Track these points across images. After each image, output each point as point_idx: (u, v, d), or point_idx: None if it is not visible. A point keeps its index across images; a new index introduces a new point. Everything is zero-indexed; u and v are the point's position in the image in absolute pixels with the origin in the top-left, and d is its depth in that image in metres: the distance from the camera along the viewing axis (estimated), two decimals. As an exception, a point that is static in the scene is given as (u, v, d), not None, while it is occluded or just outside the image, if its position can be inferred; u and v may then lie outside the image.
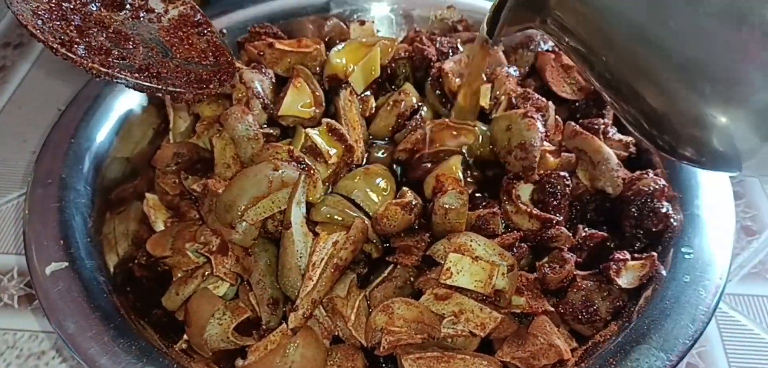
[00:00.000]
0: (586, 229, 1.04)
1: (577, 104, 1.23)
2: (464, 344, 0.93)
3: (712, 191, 1.04)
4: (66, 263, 0.93)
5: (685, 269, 0.94)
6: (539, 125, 1.07)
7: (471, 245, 0.93)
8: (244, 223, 0.93)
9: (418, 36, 1.30)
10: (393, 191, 1.04)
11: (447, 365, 0.89)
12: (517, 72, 1.23)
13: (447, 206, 0.96)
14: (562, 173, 1.06)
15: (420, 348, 0.90)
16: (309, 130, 1.06)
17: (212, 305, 0.93)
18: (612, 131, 1.15)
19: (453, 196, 0.95)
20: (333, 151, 1.06)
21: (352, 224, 0.95)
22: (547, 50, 1.27)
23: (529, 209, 1.02)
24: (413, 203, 0.99)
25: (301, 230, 0.95)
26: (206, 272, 0.96)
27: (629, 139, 1.15)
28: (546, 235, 1.01)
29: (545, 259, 1.00)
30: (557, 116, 1.16)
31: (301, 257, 0.93)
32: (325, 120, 1.09)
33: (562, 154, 1.08)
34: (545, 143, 1.10)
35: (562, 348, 0.89)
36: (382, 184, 1.04)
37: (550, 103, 1.13)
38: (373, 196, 1.02)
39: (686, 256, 0.96)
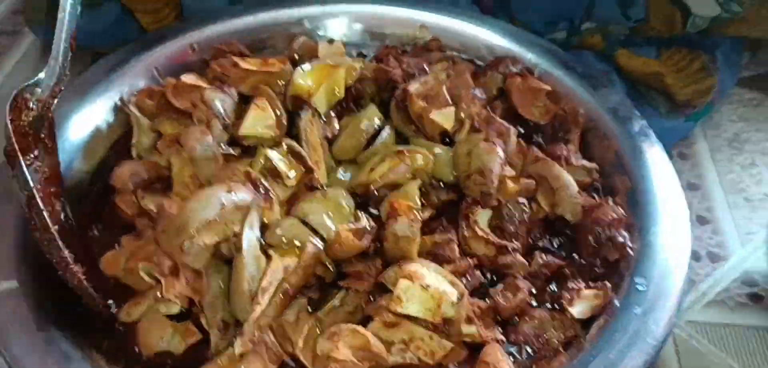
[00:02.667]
0: (544, 257, 1.03)
1: (543, 128, 1.22)
2: (414, 372, 0.93)
3: (670, 219, 1.04)
4: (16, 283, 0.92)
5: (637, 300, 0.94)
6: (499, 150, 1.06)
7: (421, 273, 0.93)
8: (195, 246, 0.93)
9: (387, 54, 1.29)
10: (351, 215, 1.04)
11: None
12: (484, 95, 1.22)
13: (399, 233, 0.95)
14: (520, 200, 1.06)
15: None
16: (268, 151, 1.06)
17: (162, 328, 0.93)
18: (575, 157, 1.14)
19: (405, 224, 0.95)
20: (292, 173, 1.06)
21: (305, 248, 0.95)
22: (516, 73, 1.26)
23: (485, 236, 1.02)
24: (368, 228, 0.99)
25: (253, 253, 0.94)
26: (158, 294, 0.96)
27: (593, 166, 1.15)
28: (501, 262, 1.01)
29: (499, 287, 0.99)
30: (521, 141, 1.16)
31: (252, 280, 0.93)
32: (285, 141, 1.08)
33: (522, 180, 1.08)
34: (507, 168, 1.10)
35: (511, 377, 0.89)
36: (341, 207, 1.04)
37: (512, 128, 1.12)
38: (328, 221, 1.01)
39: (639, 287, 0.95)
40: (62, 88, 1.03)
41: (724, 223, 1.35)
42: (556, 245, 1.09)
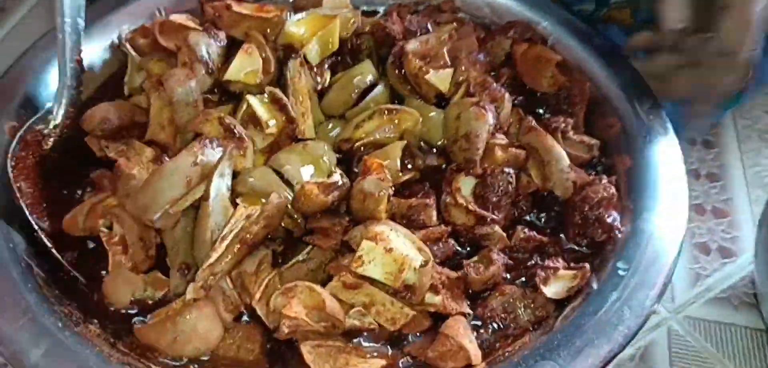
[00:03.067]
0: (525, 231, 0.97)
1: (547, 99, 1.16)
2: (372, 337, 0.89)
3: (666, 205, 0.97)
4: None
5: (615, 285, 0.88)
6: (489, 116, 1.01)
7: (388, 236, 0.88)
8: (162, 219, 0.90)
9: (393, 11, 1.24)
10: (331, 170, 1.00)
11: (348, 357, 0.85)
12: (488, 59, 1.16)
13: (366, 191, 0.91)
14: (506, 170, 1.00)
15: (322, 336, 0.86)
16: (250, 97, 1.03)
17: (131, 283, 0.91)
18: (574, 131, 1.08)
19: (372, 182, 0.91)
20: (272, 121, 1.02)
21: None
22: (524, 39, 1.20)
23: (465, 204, 0.97)
24: (339, 183, 0.95)
25: (221, 202, 0.91)
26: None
27: (594, 141, 1.08)
28: (478, 232, 0.96)
29: (473, 259, 0.94)
30: (519, 110, 1.09)
31: (216, 228, 0.90)
32: (268, 88, 1.05)
33: (510, 149, 1.02)
34: (499, 136, 1.04)
35: (471, 353, 0.84)
36: (321, 162, 1.00)
37: (507, 95, 1.06)
38: (306, 174, 0.98)
39: (619, 272, 0.89)
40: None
41: (742, 218, 1.26)
42: (543, 222, 1.03)
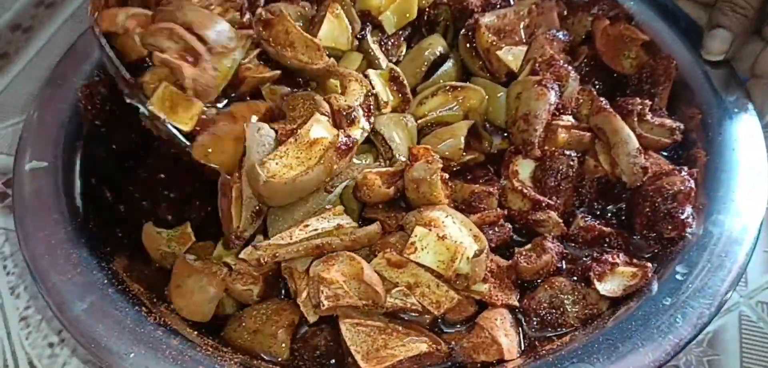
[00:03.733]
0: (586, 219, 0.92)
1: (628, 79, 1.09)
2: (415, 318, 0.87)
3: (741, 209, 0.89)
4: (46, 163, 0.96)
5: (671, 290, 0.81)
6: (552, 95, 0.95)
7: (442, 222, 0.85)
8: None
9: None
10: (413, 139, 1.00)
11: (387, 339, 0.83)
12: (567, 37, 1.10)
13: (417, 177, 0.88)
14: (567, 152, 0.94)
15: (363, 314, 0.85)
16: (372, 73, 1.01)
17: (158, 240, 0.94)
18: (654, 113, 1.00)
19: (420, 167, 0.87)
20: (390, 99, 1.02)
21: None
22: (609, 17, 1.12)
23: (521, 188, 0.92)
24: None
25: (325, 198, 0.91)
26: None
27: (677, 124, 1.00)
28: (533, 218, 0.91)
29: (526, 247, 0.90)
30: (591, 90, 1.03)
31: (306, 214, 0.89)
32: (389, 66, 1.04)
33: (573, 131, 0.96)
34: (566, 117, 0.98)
35: (504, 347, 0.80)
36: (408, 128, 1.00)
37: (572, 73, 0.99)
38: (397, 137, 0.97)
39: (677, 276, 0.83)
40: None
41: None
42: (611, 212, 0.96)
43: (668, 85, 1.05)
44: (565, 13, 1.16)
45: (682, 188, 0.90)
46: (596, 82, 1.10)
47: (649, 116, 0.99)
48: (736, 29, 1.02)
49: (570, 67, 1.00)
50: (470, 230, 0.86)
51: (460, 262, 0.82)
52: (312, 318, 0.84)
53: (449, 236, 0.84)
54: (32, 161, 0.95)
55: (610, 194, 0.97)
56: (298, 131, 0.87)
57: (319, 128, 0.88)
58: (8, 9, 1.54)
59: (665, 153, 1.02)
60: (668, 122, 1.00)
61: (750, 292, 1.05)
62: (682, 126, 1.00)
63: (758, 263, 1.08)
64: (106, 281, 0.86)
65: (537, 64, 1.00)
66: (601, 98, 0.99)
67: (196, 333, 0.86)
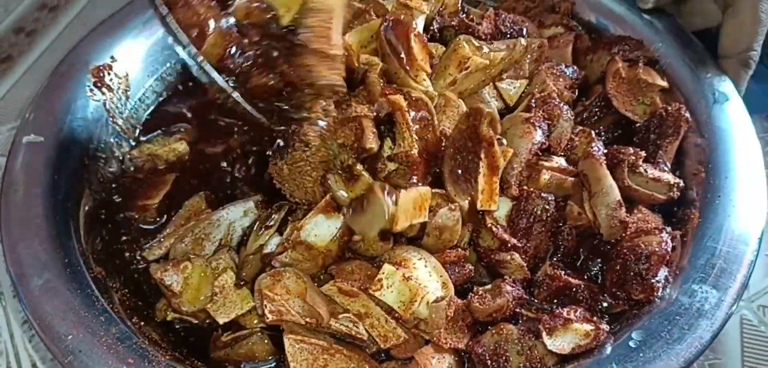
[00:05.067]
0: (553, 268, 0.87)
1: (635, 124, 1.02)
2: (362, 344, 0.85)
3: (718, 286, 0.82)
4: (42, 138, 0.99)
5: (620, 357, 0.76)
6: (537, 134, 0.91)
7: (414, 263, 0.84)
8: None
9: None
10: None
11: (330, 359, 0.81)
12: (576, 73, 1.05)
13: (440, 224, 0.86)
14: (544, 195, 0.89)
15: (309, 331, 0.83)
16: None
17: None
18: (650, 165, 0.94)
19: (445, 214, 0.86)
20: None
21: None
22: (629, 58, 1.06)
23: (491, 226, 0.88)
24: None
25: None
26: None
27: (676, 181, 0.94)
28: (496, 258, 0.87)
29: (485, 287, 0.86)
30: (589, 132, 0.97)
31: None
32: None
33: (556, 174, 0.91)
34: (557, 158, 0.94)
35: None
36: None
37: (565, 112, 0.95)
38: None
39: (631, 343, 0.77)
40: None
41: None
42: (588, 262, 0.91)
43: (676, 139, 0.98)
44: (587, 46, 1.11)
45: (658, 249, 0.83)
46: (603, 126, 1.04)
47: (642, 168, 0.92)
48: None
49: (565, 107, 0.95)
50: (440, 276, 0.85)
51: (418, 305, 0.81)
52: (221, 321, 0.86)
53: (415, 278, 0.83)
54: (30, 134, 0.99)
55: (590, 245, 0.91)
56: None
57: None
58: (11, 12, 1.56)
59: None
60: (667, 177, 0.94)
61: (751, 296, 1.03)
62: (681, 183, 0.94)
63: (760, 266, 1.05)
64: (67, 260, 0.87)
65: (533, 100, 0.96)
66: (597, 143, 0.94)
67: (142, 324, 0.87)
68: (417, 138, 0.90)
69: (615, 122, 1.05)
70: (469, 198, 0.87)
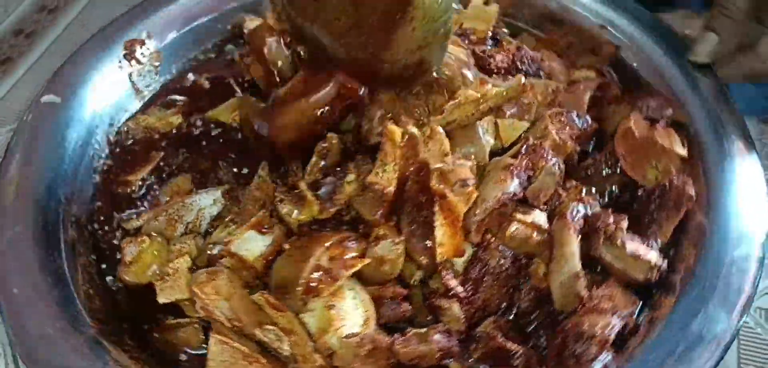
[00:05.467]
0: (493, 328, 0.82)
1: (639, 193, 0.94)
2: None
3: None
4: (59, 99, 1.04)
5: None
6: (511, 184, 0.85)
7: (344, 292, 0.82)
8: None
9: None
10: None
11: (247, 366, 0.81)
12: (586, 123, 0.97)
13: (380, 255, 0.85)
14: (501, 248, 0.84)
15: (236, 334, 0.84)
16: None
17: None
18: (637, 242, 0.86)
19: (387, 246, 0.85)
20: None
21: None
22: (650, 117, 0.97)
23: (441, 268, 0.84)
24: None
25: None
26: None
27: (658, 263, 0.86)
28: (436, 303, 0.83)
29: (413, 330, 0.82)
30: (582, 190, 0.91)
31: None
32: None
33: (523, 228, 0.85)
34: (536, 212, 0.87)
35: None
36: None
37: (551, 165, 0.88)
38: None
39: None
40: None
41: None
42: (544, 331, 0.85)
43: (675, 216, 0.89)
44: (615, 96, 1.04)
45: (599, 334, 0.77)
46: (610, 186, 0.96)
47: (621, 240, 0.84)
48: (723, 32, 0.97)
49: (554, 160, 0.89)
50: (366, 311, 0.83)
51: (331, 337, 0.80)
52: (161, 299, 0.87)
53: (337, 308, 0.81)
54: (50, 95, 1.04)
55: (547, 311, 0.85)
56: None
57: None
58: (11, 14, 1.57)
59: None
60: (649, 256, 0.86)
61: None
62: (665, 266, 0.85)
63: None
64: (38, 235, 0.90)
65: (524, 146, 0.90)
66: (582, 205, 0.87)
67: (92, 292, 0.89)
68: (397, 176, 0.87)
69: (623, 183, 0.97)
70: (427, 258, 0.84)
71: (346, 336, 0.79)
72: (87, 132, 1.04)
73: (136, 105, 1.12)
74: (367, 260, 0.83)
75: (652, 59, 1.08)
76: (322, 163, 0.91)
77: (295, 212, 0.87)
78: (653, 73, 1.07)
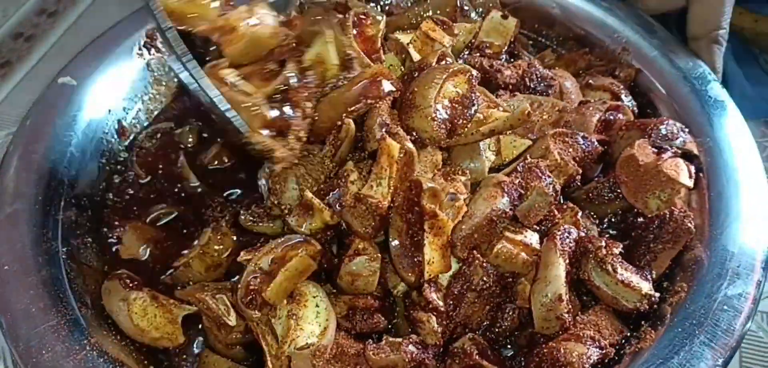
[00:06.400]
0: (471, 345, 0.80)
1: (639, 221, 0.91)
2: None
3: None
4: (75, 82, 1.07)
5: None
6: (501, 202, 0.83)
7: (308, 301, 0.82)
8: None
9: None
10: None
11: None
12: (591, 146, 0.95)
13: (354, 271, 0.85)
14: (485, 265, 0.82)
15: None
16: None
17: None
18: (626, 268, 0.83)
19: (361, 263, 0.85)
20: None
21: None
22: (659, 146, 0.94)
23: (424, 283, 0.83)
24: None
25: None
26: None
27: (649, 293, 0.83)
28: (413, 315, 0.82)
29: (389, 339, 0.81)
30: (571, 207, 0.90)
31: None
32: None
33: (510, 248, 0.83)
34: (528, 233, 0.85)
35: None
36: None
37: (544, 185, 0.85)
38: None
39: None
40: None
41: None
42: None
43: (672, 248, 0.87)
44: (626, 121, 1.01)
45: (575, 361, 0.74)
46: (611, 211, 0.95)
47: (611, 266, 0.82)
48: None
49: (548, 180, 0.86)
50: (325, 321, 0.82)
51: (288, 346, 0.80)
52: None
53: (298, 317, 0.81)
54: (67, 77, 1.06)
55: (529, 333, 0.83)
56: None
57: None
58: (10, 17, 1.58)
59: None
60: (641, 285, 0.83)
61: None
62: (656, 298, 0.82)
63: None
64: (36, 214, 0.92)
65: (520, 165, 0.88)
66: (573, 228, 0.85)
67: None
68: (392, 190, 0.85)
69: (626, 209, 0.94)
70: (415, 275, 0.82)
71: (300, 348, 0.79)
72: (99, 116, 1.07)
73: (153, 93, 1.14)
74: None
75: (671, 87, 1.05)
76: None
77: (306, 223, 0.87)
78: (669, 101, 1.04)
